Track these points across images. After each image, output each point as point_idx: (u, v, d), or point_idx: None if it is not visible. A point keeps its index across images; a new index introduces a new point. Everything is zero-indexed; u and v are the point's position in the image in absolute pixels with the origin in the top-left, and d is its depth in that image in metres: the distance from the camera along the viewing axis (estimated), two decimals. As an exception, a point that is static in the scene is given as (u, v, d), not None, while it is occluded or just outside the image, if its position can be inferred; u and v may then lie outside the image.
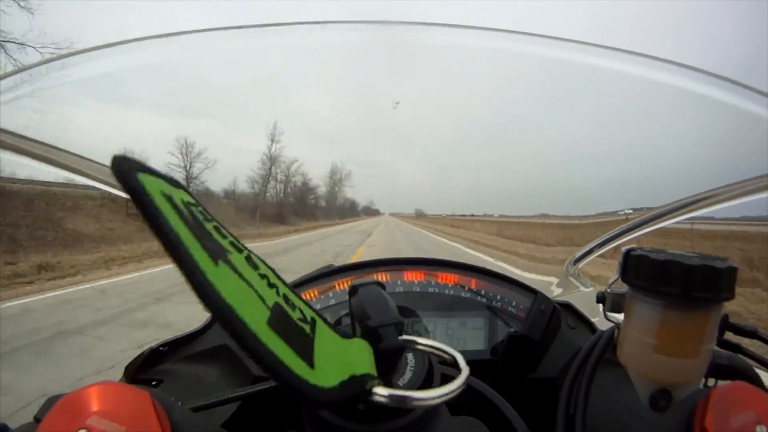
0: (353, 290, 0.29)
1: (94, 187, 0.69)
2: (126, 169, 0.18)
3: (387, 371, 0.28)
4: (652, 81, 0.58)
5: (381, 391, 0.21)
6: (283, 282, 0.25)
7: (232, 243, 0.23)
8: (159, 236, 0.17)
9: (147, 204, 0.17)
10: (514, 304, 0.63)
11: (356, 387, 0.21)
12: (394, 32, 0.59)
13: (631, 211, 0.78)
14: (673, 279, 0.30)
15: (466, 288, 0.65)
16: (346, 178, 60.03)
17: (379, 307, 0.26)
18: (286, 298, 0.24)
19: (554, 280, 1.04)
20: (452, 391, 0.22)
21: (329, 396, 0.20)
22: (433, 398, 0.22)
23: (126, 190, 0.17)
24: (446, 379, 0.27)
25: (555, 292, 0.97)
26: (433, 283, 0.65)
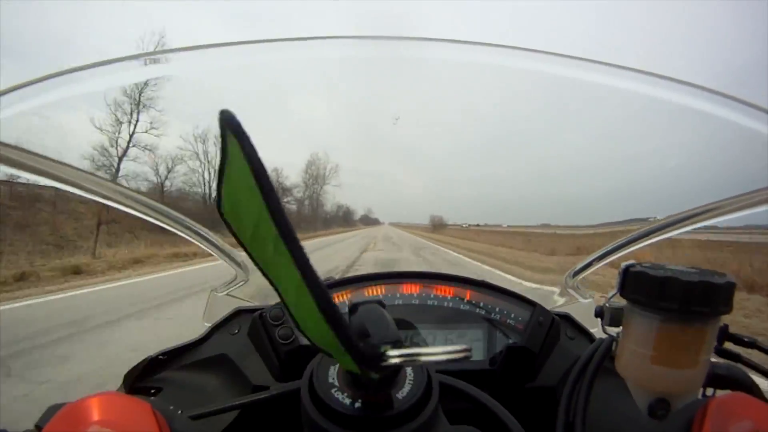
0: (354, 308, 0.30)
1: (94, 201, 0.70)
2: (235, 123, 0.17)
3: (386, 386, 0.28)
4: (653, 98, 0.58)
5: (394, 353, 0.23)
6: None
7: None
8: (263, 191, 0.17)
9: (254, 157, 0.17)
10: (512, 316, 0.63)
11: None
12: (395, 48, 0.59)
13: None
14: (672, 295, 0.30)
15: (465, 300, 0.65)
16: (331, 175, 47.92)
17: (379, 326, 0.27)
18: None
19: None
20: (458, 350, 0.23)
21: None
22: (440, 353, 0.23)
23: (239, 139, 0.17)
24: (444, 390, 0.27)
25: (557, 303, 0.96)
26: (432, 295, 0.65)
